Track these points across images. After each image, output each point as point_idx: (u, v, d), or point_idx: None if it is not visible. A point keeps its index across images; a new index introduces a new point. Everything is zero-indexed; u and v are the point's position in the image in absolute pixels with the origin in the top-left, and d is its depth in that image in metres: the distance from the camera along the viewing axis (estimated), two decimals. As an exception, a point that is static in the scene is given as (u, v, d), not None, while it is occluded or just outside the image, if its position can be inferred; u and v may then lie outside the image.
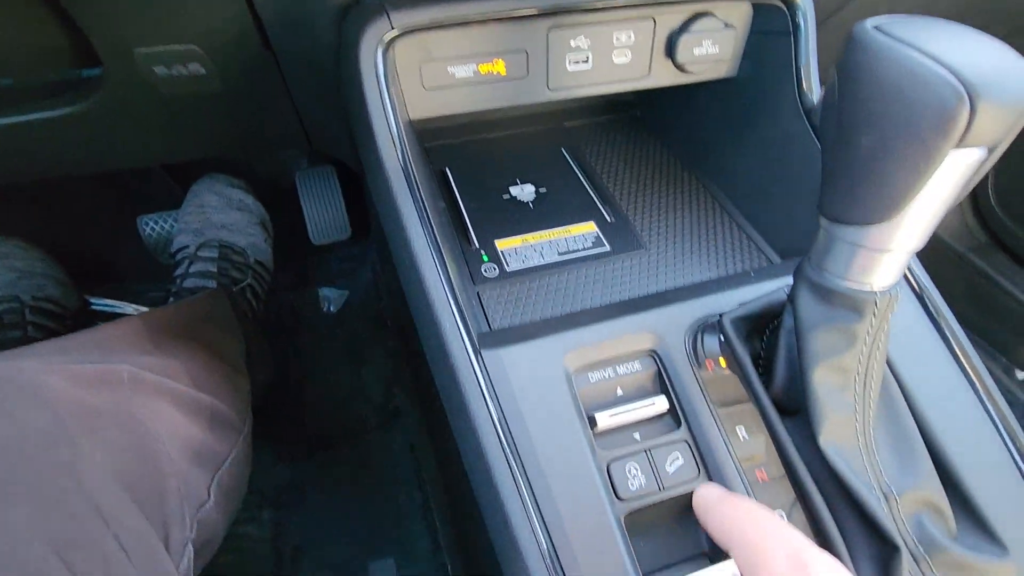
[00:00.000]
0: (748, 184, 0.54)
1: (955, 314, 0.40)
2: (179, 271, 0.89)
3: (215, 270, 0.88)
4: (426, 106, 0.46)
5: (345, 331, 1.08)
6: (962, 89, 0.23)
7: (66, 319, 0.92)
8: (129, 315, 0.54)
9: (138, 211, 0.98)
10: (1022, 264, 1.13)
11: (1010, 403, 1.11)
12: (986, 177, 1.12)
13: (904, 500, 0.32)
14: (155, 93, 0.52)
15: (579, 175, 0.59)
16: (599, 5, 0.45)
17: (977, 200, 1.17)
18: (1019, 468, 0.36)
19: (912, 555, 0.31)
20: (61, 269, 0.94)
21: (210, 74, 0.52)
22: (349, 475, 0.91)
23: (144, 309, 1.03)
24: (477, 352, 0.35)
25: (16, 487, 0.30)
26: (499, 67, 0.46)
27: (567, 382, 0.35)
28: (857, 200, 0.28)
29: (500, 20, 0.43)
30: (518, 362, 0.35)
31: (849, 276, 0.30)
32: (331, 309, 1.13)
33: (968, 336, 0.40)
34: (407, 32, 0.41)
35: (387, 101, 0.40)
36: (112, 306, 0.99)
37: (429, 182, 0.49)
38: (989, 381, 0.38)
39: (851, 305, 0.31)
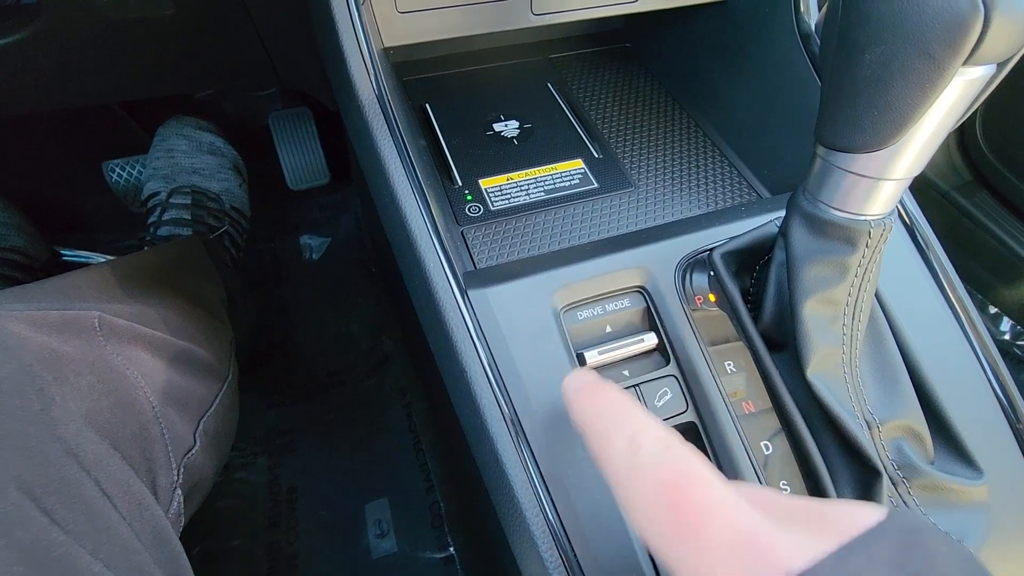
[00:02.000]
0: (740, 117, 0.52)
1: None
2: (152, 219, 0.85)
3: (189, 217, 0.84)
4: (401, 31, 0.43)
5: (329, 279, 1.07)
6: None
7: (35, 270, 0.89)
8: (98, 263, 0.52)
9: (103, 157, 0.93)
10: (1004, 203, 1.13)
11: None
12: (974, 115, 1.11)
13: (886, 427, 0.33)
14: (101, 17, 0.47)
15: (565, 110, 0.56)
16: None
17: (964, 138, 1.16)
18: (997, 397, 0.37)
19: (891, 479, 0.32)
20: (25, 218, 0.90)
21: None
22: (341, 419, 0.92)
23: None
24: (463, 292, 0.34)
25: None
26: (479, -12, 0.43)
27: (555, 320, 0.34)
28: (858, 125, 0.26)
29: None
30: (505, 301, 0.34)
31: (844, 206, 0.29)
32: (313, 257, 1.10)
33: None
34: (377, -55, 0.37)
35: (359, 24, 0.37)
36: (85, 257, 0.95)
37: (408, 117, 0.46)
38: (973, 311, 0.39)
39: (845, 236, 0.30)
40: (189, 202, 0.86)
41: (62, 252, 0.96)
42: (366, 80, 0.38)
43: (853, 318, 0.32)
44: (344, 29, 0.37)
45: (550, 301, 0.35)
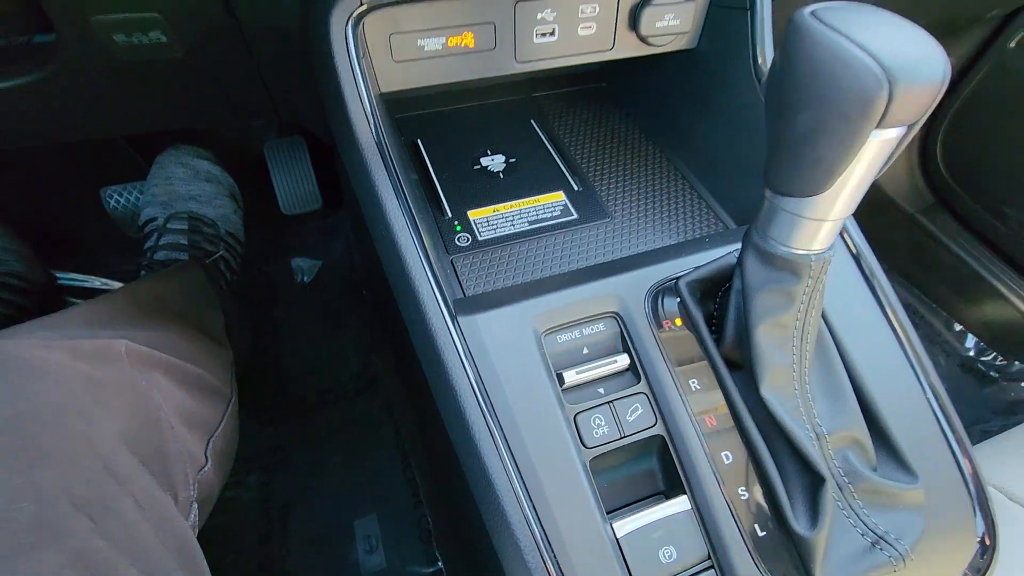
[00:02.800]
0: (707, 154, 0.57)
1: (901, 271, 0.44)
2: (149, 244, 0.88)
3: (186, 242, 0.87)
4: (396, 79, 0.47)
5: (320, 301, 1.09)
6: (882, 76, 0.26)
7: (32, 294, 0.91)
8: (111, 290, 0.55)
9: (101, 183, 0.96)
10: (965, 225, 1.20)
11: (948, 353, 1.18)
12: (936, 142, 1.18)
13: (833, 438, 0.37)
14: (114, 61, 0.51)
15: (548, 145, 0.61)
16: (565, -22, 0.46)
17: (926, 164, 1.23)
18: (932, 409, 0.41)
19: (837, 484, 0.36)
20: (23, 243, 0.92)
21: (171, 41, 0.51)
22: (331, 438, 0.94)
23: (113, 283, 1.02)
24: (454, 318, 0.38)
25: (38, 453, 0.32)
26: (468, 40, 0.47)
27: (537, 343, 0.38)
28: (796, 174, 0.31)
29: (468, -5, 0.44)
30: (492, 326, 0.38)
31: (789, 242, 0.33)
32: (304, 279, 1.13)
33: (912, 292, 0.44)
34: (376, 7, 0.41)
35: (359, 77, 0.41)
36: (80, 280, 0.97)
37: (401, 154, 0.50)
38: (912, 333, 0.43)
39: (791, 268, 0.34)
40: (186, 227, 0.89)
41: (58, 276, 0.98)
42: (365, 125, 0.41)
43: (801, 340, 0.36)
44: (346, 82, 0.41)
45: (532, 326, 0.38)
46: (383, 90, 0.47)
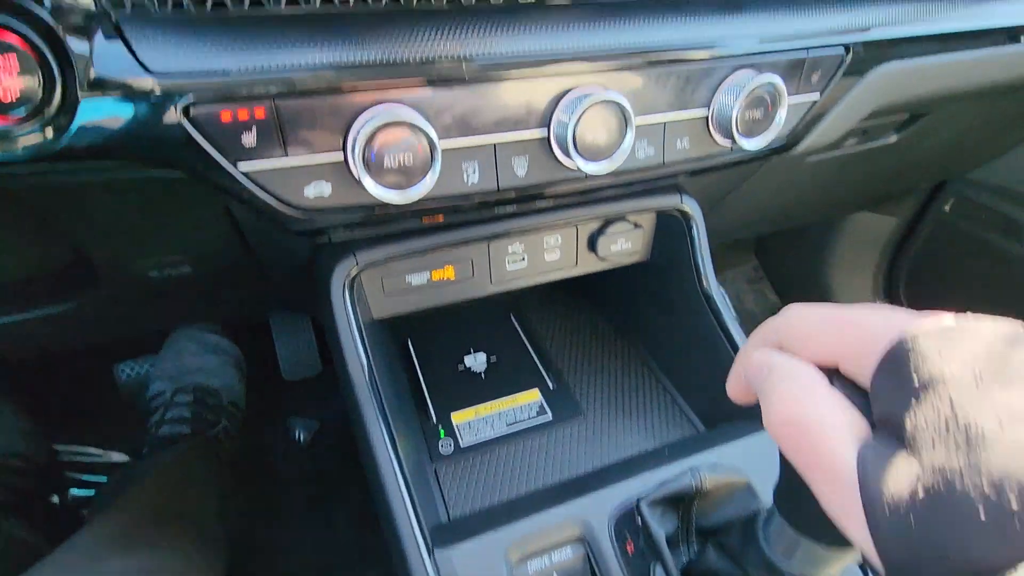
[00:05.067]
0: (671, 353, 0.63)
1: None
2: (154, 418, 0.92)
3: (189, 415, 0.92)
4: (387, 308, 0.55)
5: (317, 463, 1.10)
6: None
7: (31, 475, 0.93)
8: (110, 505, 0.58)
9: (111, 358, 1.02)
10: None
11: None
12: (900, 293, 1.26)
13: None
14: (144, 287, 0.59)
15: (525, 341, 0.67)
16: (532, 225, 0.55)
17: (891, 301, 1.31)
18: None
19: None
20: (28, 418, 0.96)
21: (196, 272, 0.59)
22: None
23: (113, 454, 1.04)
24: (431, 552, 0.41)
25: None
26: (449, 272, 0.55)
27: (508, 574, 0.41)
28: (812, 527, 0.29)
29: (448, 247, 0.52)
30: (467, 559, 0.41)
31: (792, 567, 0.32)
32: (301, 438, 1.15)
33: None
34: (369, 266, 0.49)
35: (354, 324, 0.48)
36: (80, 454, 1.00)
37: (391, 361, 0.56)
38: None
39: None
40: (191, 400, 0.94)
41: (58, 449, 1.01)
42: (357, 365, 0.47)
43: None
44: (342, 327, 0.47)
45: (504, 556, 0.41)
46: (375, 317, 0.54)
